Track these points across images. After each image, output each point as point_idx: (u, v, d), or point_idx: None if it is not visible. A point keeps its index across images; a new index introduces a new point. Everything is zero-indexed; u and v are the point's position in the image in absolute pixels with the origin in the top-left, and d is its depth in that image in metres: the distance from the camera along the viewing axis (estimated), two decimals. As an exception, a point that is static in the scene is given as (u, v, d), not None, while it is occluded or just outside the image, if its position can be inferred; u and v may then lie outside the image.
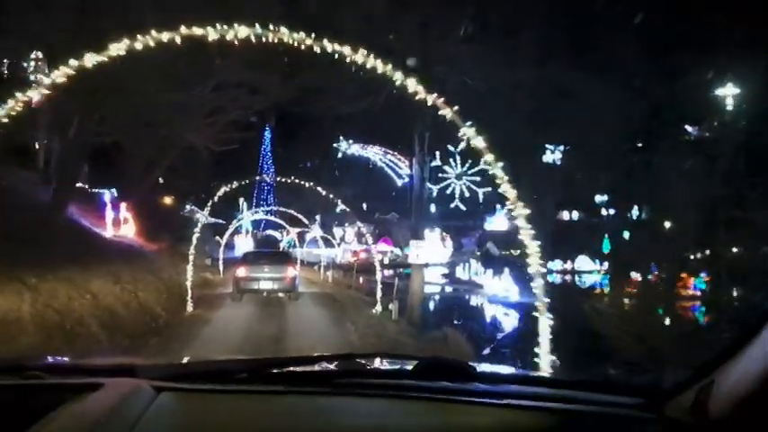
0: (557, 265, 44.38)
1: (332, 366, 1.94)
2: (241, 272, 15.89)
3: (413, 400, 1.54)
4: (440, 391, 1.57)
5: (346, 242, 50.02)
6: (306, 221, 31.05)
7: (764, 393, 1.16)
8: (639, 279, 32.48)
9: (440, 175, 55.29)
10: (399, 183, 57.79)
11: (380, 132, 42.10)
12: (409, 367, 1.72)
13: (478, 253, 49.53)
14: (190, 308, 13.94)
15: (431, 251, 34.37)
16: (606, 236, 46.64)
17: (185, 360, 2.60)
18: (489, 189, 54.45)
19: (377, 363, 2.16)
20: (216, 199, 14.43)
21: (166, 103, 16.95)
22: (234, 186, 14.55)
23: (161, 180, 34.70)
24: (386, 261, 39.46)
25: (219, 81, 17.98)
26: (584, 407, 1.55)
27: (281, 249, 31.57)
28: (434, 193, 53.19)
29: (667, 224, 44.03)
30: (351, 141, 57.87)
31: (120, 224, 19.79)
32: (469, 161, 55.42)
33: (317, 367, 1.94)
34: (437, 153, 53.99)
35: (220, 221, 34.29)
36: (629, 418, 1.51)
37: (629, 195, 46.38)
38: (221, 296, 17.65)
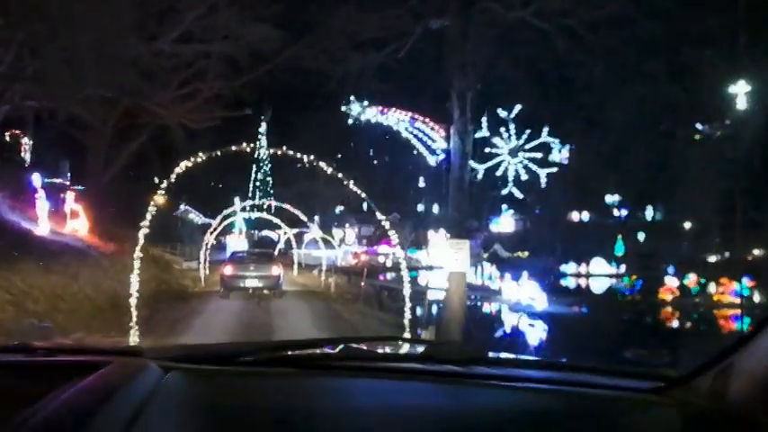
0: (571, 267, 39.98)
1: (340, 350, 1.74)
2: (228, 270, 15.77)
3: (422, 381, 1.47)
4: (450, 374, 1.50)
5: (347, 243, 45.48)
6: (305, 219, 27.23)
7: None
8: (676, 285, 27.95)
9: (486, 150, 43.97)
10: (433, 160, 46.49)
11: (405, 94, 33.51)
12: (420, 351, 1.62)
13: (485, 255, 44.88)
14: (135, 339, 8.95)
15: (438, 253, 30.30)
16: (620, 237, 42.36)
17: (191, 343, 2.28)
18: (555, 169, 43.52)
19: (387, 346, 1.98)
20: (173, 179, 9.51)
21: (117, 57, 12.00)
22: (199, 160, 9.61)
23: (157, 180, 30.27)
24: (389, 264, 35.24)
25: (190, 30, 13.04)
26: (598, 390, 1.45)
27: (277, 250, 27.89)
28: (479, 175, 41.57)
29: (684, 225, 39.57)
30: (365, 103, 43.56)
31: (65, 219, 14.74)
32: (527, 131, 43.35)
33: (325, 350, 1.76)
34: (483, 121, 40.63)
35: (213, 221, 30.30)
36: (644, 401, 1.39)
37: (644, 194, 42.22)
38: (194, 313, 12.78)
